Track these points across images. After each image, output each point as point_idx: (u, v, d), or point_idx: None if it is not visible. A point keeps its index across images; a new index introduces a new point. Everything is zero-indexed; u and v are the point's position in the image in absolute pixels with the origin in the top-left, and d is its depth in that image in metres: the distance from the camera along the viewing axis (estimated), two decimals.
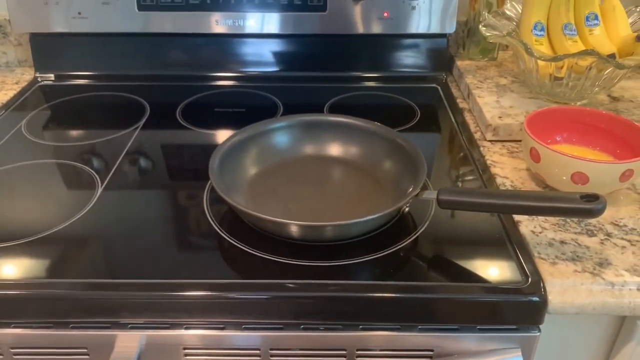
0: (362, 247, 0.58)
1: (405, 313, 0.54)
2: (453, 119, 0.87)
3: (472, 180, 0.72)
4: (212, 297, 0.53)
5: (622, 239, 0.59)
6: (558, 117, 0.72)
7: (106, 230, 0.61)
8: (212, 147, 0.67)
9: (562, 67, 0.78)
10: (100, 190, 0.68)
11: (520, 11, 0.88)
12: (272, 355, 0.56)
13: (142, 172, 0.73)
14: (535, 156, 0.65)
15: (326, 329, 0.55)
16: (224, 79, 0.99)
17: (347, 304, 0.54)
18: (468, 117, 0.86)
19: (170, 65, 0.99)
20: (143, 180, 0.71)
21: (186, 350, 0.56)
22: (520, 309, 0.53)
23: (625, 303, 0.53)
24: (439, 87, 0.97)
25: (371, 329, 0.55)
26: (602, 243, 0.58)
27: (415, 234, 0.60)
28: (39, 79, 0.99)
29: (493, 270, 0.56)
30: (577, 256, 0.57)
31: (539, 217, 0.62)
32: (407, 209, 0.63)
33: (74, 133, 0.83)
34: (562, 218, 0.62)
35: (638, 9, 0.86)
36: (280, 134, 0.73)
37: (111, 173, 0.71)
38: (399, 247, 0.58)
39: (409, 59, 0.99)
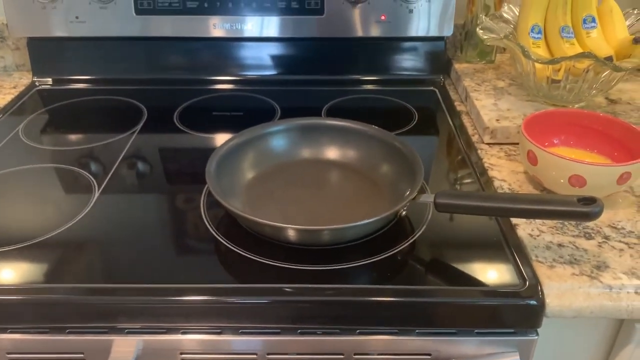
0: (360, 251, 0.58)
1: (402, 317, 0.54)
2: (451, 122, 0.87)
3: (469, 184, 0.71)
4: (208, 301, 0.53)
5: (620, 241, 0.59)
6: (555, 119, 0.72)
7: (102, 235, 0.61)
8: (210, 150, 0.67)
9: (559, 70, 0.78)
10: (97, 194, 0.68)
11: (517, 14, 0.88)
12: None
13: (139, 176, 0.73)
14: (532, 159, 0.65)
15: (323, 334, 0.54)
16: (222, 83, 0.99)
17: (345, 308, 0.54)
18: (466, 120, 0.86)
19: (167, 69, 0.99)
20: (140, 184, 0.71)
21: (183, 355, 0.55)
22: (518, 312, 0.53)
23: (623, 306, 0.53)
24: (437, 90, 0.97)
25: (369, 333, 0.54)
26: (600, 246, 0.58)
27: (412, 238, 0.60)
28: (37, 83, 0.99)
29: (490, 273, 0.56)
30: (575, 259, 0.56)
31: (537, 220, 0.62)
32: (404, 213, 0.63)
33: (71, 137, 0.82)
34: (560, 221, 0.62)
35: (635, 12, 0.86)
36: (278, 138, 0.73)
37: (108, 177, 0.71)
38: (396, 250, 0.58)
39: (406, 62, 0.99)
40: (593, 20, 0.83)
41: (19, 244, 0.59)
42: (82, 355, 0.55)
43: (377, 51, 0.99)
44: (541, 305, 0.52)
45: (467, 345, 0.55)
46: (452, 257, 0.58)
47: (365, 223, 0.56)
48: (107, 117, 0.89)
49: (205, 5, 0.93)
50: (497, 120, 0.79)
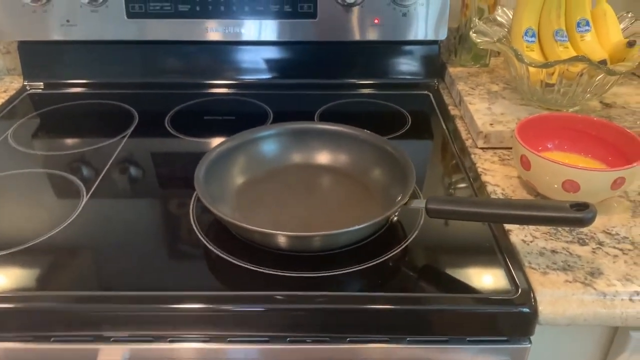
0: (351, 257, 0.57)
1: (393, 325, 0.53)
2: (444, 126, 0.86)
3: (463, 189, 0.71)
4: (197, 309, 0.52)
5: (614, 247, 0.58)
6: (549, 124, 0.72)
7: (89, 242, 0.60)
8: (200, 155, 0.66)
9: (553, 74, 0.78)
10: (85, 200, 0.67)
11: (511, 17, 0.88)
12: None
13: (129, 181, 0.72)
14: (525, 164, 0.64)
15: (314, 342, 0.54)
16: (214, 87, 0.98)
17: (334, 316, 0.53)
18: (459, 124, 0.86)
19: (159, 73, 0.98)
20: (129, 189, 0.70)
21: None
22: (510, 320, 0.52)
23: (617, 313, 0.52)
24: (431, 94, 0.97)
25: (359, 341, 0.54)
26: (594, 252, 0.57)
27: (404, 243, 0.59)
28: (28, 87, 0.98)
29: (483, 280, 0.55)
30: (569, 265, 0.56)
31: (530, 226, 0.61)
32: (395, 218, 0.62)
33: (61, 142, 0.81)
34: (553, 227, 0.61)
35: (629, 15, 0.86)
36: (269, 142, 0.72)
37: (97, 182, 0.70)
38: (388, 256, 0.57)
39: (400, 66, 0.99)
40: (587, 23, 0.82)
41: (2, 250, 0.58)
42: None
43: (371, 55, 0.98)
44: (534, 312, 0.52)
45: (459, 353, 0.54)
46: (444, 263, 0.57)
47: (356, 229, 0.55)
48: (97, 122, 0.88)
49: (197, 9, 0.92)
50: (491, 124, 0.79)
